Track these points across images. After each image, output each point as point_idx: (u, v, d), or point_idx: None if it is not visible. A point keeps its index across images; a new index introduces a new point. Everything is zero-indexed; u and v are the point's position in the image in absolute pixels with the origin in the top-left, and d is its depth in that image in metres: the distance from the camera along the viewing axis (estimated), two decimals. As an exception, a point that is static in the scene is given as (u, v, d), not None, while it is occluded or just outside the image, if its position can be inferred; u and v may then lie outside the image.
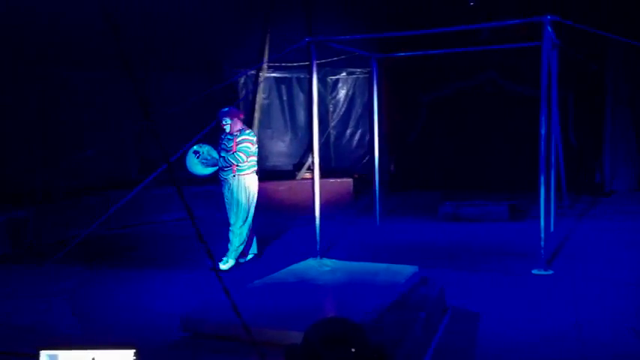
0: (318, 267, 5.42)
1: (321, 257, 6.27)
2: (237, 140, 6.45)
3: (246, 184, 6.47)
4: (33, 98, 9.09)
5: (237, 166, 6.42)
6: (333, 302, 4.35)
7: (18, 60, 8.69)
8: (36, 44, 8.73)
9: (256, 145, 6.60)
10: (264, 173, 11.76)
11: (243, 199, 6.46)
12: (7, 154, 8.44)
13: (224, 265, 6.37)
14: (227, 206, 6.55)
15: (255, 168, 6.61)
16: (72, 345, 2.18)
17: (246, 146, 6.44)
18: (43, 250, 7.44)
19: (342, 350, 1.48)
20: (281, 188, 11.09)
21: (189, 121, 10.11)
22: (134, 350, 2.12)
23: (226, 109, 6.60)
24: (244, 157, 6.42)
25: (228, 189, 6.50)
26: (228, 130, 6.53)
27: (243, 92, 11.42)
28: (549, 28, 6.26)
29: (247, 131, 6.59)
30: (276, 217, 10.10)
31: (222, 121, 6.52)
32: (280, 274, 5.19)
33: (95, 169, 9.50)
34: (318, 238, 6.87)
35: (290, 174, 11.71)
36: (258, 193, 6.67)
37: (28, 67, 8.89)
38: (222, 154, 6.48)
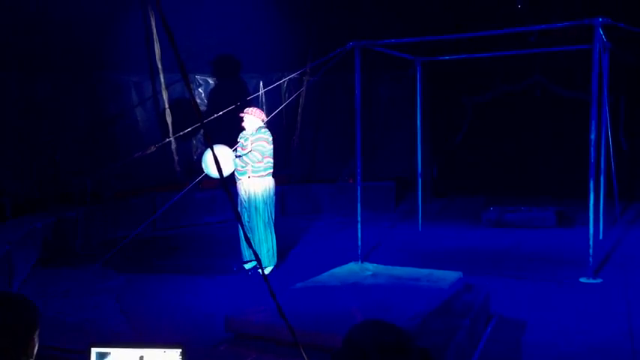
0: (360, 271, 5.40)
1: (363, 261, 6.25)
2: (253, 139, 6.28)
3: (262, 186, 6.26)
4: (81, 102, 9.39)
5: (252, 166, 6.23)
6: (376, 306, 4.32)
7: (70, 64, 8.99)
8: (87, 49, 9.02)
9: (272, 146, 6.36)
10: (305, 176, 11.85)
11: (260, 202, 6.25)
12: (58, 155, 8.72)
13: (267, 270, 6.28)
14: (242, 209, 6.31)
15: (271, 170, 6.38)
16: (121, 343, 2.23)
17: (261, 145, 6.23)
18: (91, 251, 7.65)
19: (397, 357, 1.46)
20: (323, 192, 11.14)
21: (234, 124, 10.30)
22: (181, 349, 2.16)
23: (248, 108, 6.52)
24: (259, 157, 6.20)
25: (245, 191, 6.31)
26: (246, 130, 6.42)
27: (286, 96, 11.50)
28: (600, 31, 6.10)
29: (263, 130, 6.36)
30: (317, 220, 10.14)
31: (242, 120, 6.42)
32: (322, 277, 5.20)
33: (142, 171, 9.72)
34: (359, 242, 6.87)
35: (332, 177, 11.73)
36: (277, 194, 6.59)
37: (76, 73, 9.19)
38: (238, 154, 6.33)
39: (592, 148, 6.02)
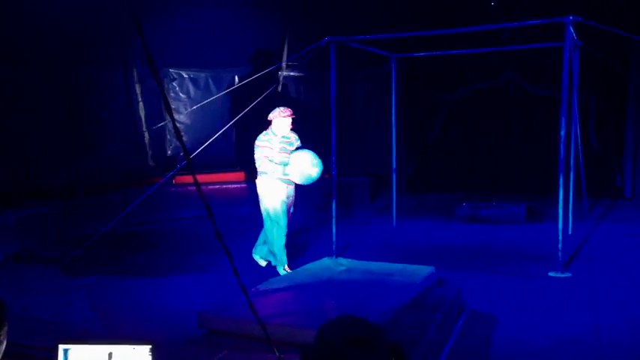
0: (334, 266, 5.42)
1: (337, 257, 6.28)
2: (296, 142, 6.26)
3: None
4: (59, 96, 9.22)
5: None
6: (349, 301, 4.35)
7: (45, 58, 8.82)
8: (61, 43, 8.85)
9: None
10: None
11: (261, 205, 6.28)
12: (31, 150, 8.57)
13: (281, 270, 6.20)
14: (286, 210, 6.24)
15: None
16: (89, 339, 2.21)
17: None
18: (63, 247, 7.54)
19: (367, 350, 1.47)
20: (298, 187, 11.12)
21: (209, 120, 10.23)
22: (150, 346, 2.14)
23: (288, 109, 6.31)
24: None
25: (290, 193, 6.28)
26: (287, 131, 6.23)
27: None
28: (571, 29, 6.20)
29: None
30: (294, 216, 10.13)
31: (292, 122, 6.24)
32: (296, 272, 5.22)
33: (115, 166, 9.60)
34: (334, 237, 6.90)
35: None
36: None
37: (54, 65, 9.02)
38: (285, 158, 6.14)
39: (562, 145, 6.13)
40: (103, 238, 7.17)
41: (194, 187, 2.58)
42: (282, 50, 11.21)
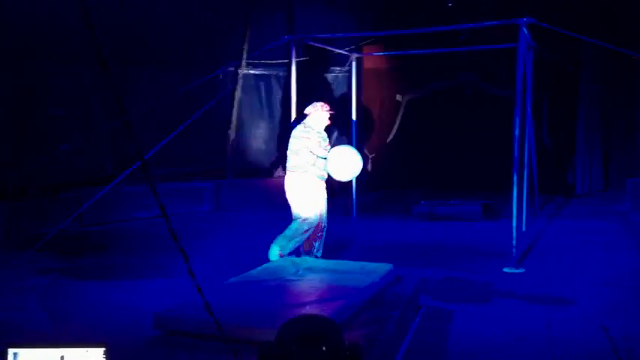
0: (293, 265, 5.42)
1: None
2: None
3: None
4: (8, 92, 8.92)
5: None
6: (308, 300, 4.36)
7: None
8: (10, 37, 8.56)
9: None
10: (241, 171, 11.76)
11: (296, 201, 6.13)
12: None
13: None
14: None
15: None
16: (41, 343, 2.15)
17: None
18: (15, 247, 7.32)
19: (314, 348, 1.48)
20: (258, 186, 11.10)
21: (167, 118, 10.05)
22: (104, 348, 2.11)
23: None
24: None
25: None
26: (322, 127, 6.10)
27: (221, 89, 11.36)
28: (525, 30, 6.35)
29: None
30: (253, 214, 10.09)
31: (331, 118, 6.13)
32: (255, 272, 5.19)
33: (71, 165, 9.36)
34: (294, 236, 6.88)
35: (267, 171, 11.70)
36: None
37: (3, 61, 8.72)
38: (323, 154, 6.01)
39: (516, 144, 6.28)
40: (57, 238, 7.00)
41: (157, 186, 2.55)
42: (242, 48, 11.13)
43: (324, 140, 6.07)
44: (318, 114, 6.08)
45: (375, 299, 4.49)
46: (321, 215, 6.06)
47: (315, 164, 5.94)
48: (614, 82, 10.97)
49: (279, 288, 4.66)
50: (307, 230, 5.97)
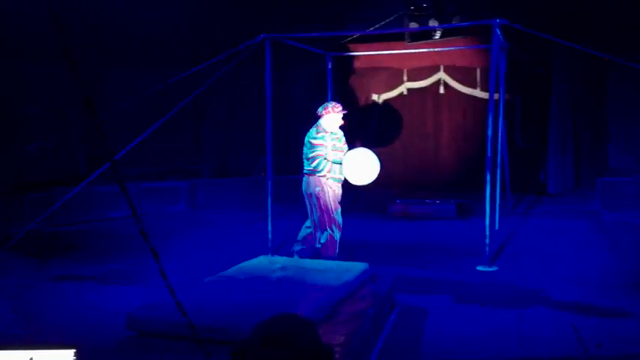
0: (269, 265, 5.41)
1: (273, 255, 6.27)
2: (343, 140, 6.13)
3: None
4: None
5: None
6: (283, 299, 4.35)
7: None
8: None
9: None
10: (218, 170, 11.69)
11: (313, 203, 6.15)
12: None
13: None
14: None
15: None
16: (10, 344, 2.11)
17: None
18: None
19: (282, 349, 1.48)
20: (236, 185, 11.06)
21: (147, 117, 9.93)
22: (74, 350, 2.07)
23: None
24: None
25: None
26: (336, 128, 6.10)
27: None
28: (498, 31, 6.43)
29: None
30: (229, 213, 10.05)
31: (344, 118, 6.08)
32: (231, 271, 5.16)
33: (43, 164, 9.20)
34: (269, 235, 6.89)
35: (245, 170, 11.65)
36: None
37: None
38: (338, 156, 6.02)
39: (488, 144, 6.36)
40: (28, 239, 6.87)
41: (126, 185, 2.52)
42: (218, 47, 11.05)
43: (340, 141, 6.04)
44: (331, 116, 6.04)
45: (351, 298, 4.50)
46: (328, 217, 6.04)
47: (332, 170, 5.91)
48: (585, 83, 11.17)
49: (254, 287, 4.64)
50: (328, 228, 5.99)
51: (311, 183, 6.00)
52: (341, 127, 6.22)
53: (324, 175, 5.92)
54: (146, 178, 10.23)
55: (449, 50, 10.18)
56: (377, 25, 10.53)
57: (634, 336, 4.27)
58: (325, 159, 5.90)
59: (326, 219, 6.02)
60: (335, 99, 9.41)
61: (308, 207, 6.12)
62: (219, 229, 8.87)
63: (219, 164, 11.81)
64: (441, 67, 11.75)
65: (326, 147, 5.92)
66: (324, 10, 11.28)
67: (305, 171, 6.06)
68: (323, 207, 5.99)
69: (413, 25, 10.40)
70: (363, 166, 5.97)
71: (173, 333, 3.58)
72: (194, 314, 2.95)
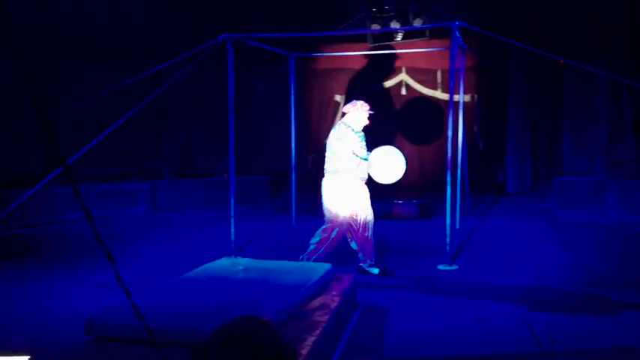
0: (232, 266, 5.37)
1: (236, 256, 6.23)
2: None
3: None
4: None
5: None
6: (246, 301, 4.32)
7: None
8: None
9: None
10: (180, 171, 11.55)
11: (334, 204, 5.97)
12: None
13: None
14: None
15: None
16: (-41, 353, 2.05)
17: None
18: None
19: (238, 351, 1.47)
20: (198, 186, 10.96)
21: (103, 117, 9.74)
22: (28, 356, 2.03)
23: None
24: None
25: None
26: (359, 127, 5.97)
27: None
28: (457, 34, 6.55)
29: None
30: (191, 215, 9.94)
31: (370, 118, 5.93)
32: (193, 273, 5.10)
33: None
34: (232, 237, 6.85)
35: (208, 172, 11.56)
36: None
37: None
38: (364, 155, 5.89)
39: (449, 144, 6.46)
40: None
41: (83, 187, 2.46)
42: (178, 46, 10.93)
43: (363, 139, 5.93)
44: (358, 113, 5.94)
45: (314, 298, 4.51)
46: (355, 217, 5.91)
47: (358, 166, 5.78)
48: (542, 84, 11.46)
49: (216, 289, 4.60)
50: (327, 230, 5.84)
51: (331, 182, 5.84)
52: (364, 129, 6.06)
53: (346, 173, 5.78)
54: (107, 180, 10.05)
55: (410, 52, 10.30)
56: (340, 27, 10.60)
57: (586, 330, 4.40)
58: (353, 154, 5.77)
59: (334, 217, 5.87)
60: (298, 98, 9.45)
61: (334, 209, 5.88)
62: (181, 230, 8.78)
63: (182, 165, 11.69)
64: (403, 69, 11.88)
65: (354, 143, 5.79)
66: (287, 11, 11.28)
67: (327, 170, 5.89)
68: (336, 206, 5.83)
69: (375, 26, 10.50)
70: (390, 165, 5.92)
71: (132, 337, 3.52)
72: (154, 317, 2.91)
